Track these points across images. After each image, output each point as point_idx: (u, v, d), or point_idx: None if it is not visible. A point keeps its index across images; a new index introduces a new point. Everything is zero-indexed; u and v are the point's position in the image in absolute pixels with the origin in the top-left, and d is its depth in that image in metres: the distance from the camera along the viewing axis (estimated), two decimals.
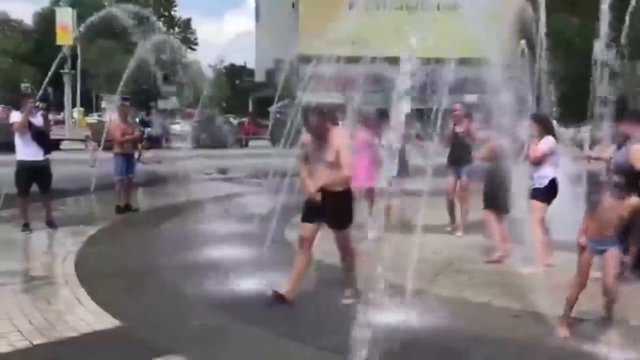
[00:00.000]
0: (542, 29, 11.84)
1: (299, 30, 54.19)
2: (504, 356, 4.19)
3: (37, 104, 8.64)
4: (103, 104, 41.45)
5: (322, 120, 5.11)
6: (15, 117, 7.92)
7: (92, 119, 37.54)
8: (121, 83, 12.40)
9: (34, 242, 7.65)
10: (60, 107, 35.60)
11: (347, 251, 5.23)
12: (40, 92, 13.81)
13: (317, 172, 5.10)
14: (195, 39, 58.06)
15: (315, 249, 5.39)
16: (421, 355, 4.19)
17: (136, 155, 12.06)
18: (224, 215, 9.16)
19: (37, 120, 7.92)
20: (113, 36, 38.55)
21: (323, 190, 5.02)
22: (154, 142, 18.75)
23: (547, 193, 6.38)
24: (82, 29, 11.39)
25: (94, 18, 11.40)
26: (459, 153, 8.16)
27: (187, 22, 59.54)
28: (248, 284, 5.62)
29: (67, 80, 30.41)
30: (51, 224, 8.14)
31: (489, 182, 6.86)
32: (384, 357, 3.86)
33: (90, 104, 45.89)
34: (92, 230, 8.20)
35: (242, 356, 4.16)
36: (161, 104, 41.73)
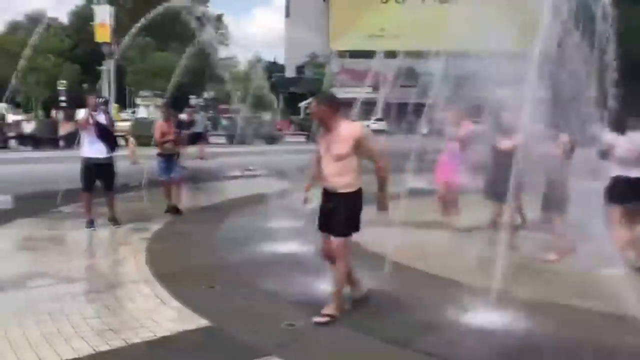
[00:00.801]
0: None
1: (330, 25, 54.25)
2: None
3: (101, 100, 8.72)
4: (137, 100, 41.90)
5: (328, 109, 4.66)
6: (81, 114, 8.00)
7: (126, 115, 38.02)
8: (172, 81, 12.45)
9: (101, 239, 7.70)
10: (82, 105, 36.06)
11: (338, 261, 4.69)
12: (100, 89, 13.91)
13: (324, 169, 4.68)
14: (227, 35, 58.37)
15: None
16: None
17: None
18: (282, 211, 9.10)
19: (101, 118, 7.98)
20: (149, 32, 38.93)
21: (327, 190, 4.70)
22: (198, 139, 18.77)
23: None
24: (134, 29, 11.35)
25: (149, 17, 11.45)
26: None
27: (219, 18, 59.91)
28: (325, 282, 5.56)
29: (104, 77, 30.78)
30: (114, 220, 8.20)
31: (554, 181, 6.67)
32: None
33: (124, 100, 46.48)
34: (154, 227, 8.24)
35: (336, 356, 4.10)
36: (193, 101, 42.19)
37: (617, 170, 6.31)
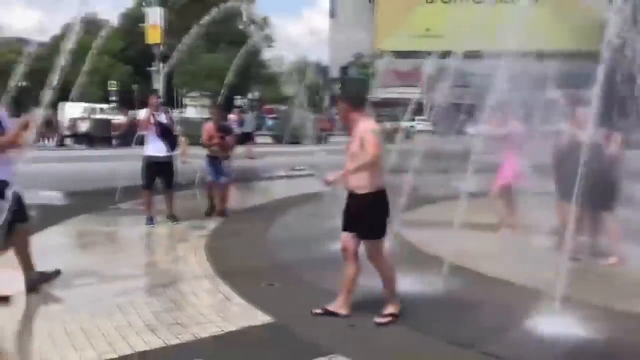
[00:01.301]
0: None
1: (376, 26, 54.14)
2: None
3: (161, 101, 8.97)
4: (186, 101, 42.73)
5: (348, 108, 4.67)
6: (142, 114, 8.25)
7: (175, 115, 38.81)
8: (225, 81, 12.66)
9: (161, 236, 7.91)
10: (144, 105, 37.02)
11: (377, 265, 4.67)
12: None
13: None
14: (274, 36, 58.94)
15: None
16: None
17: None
18: (334, 210, 9.15)
19: (162, 118, 8.21)
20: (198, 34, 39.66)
21: (350, 191, 4.65)
22: (247, 139, 19.03)
23: None
24: (190, 34, 11.58)
25: (204, 21, 11.66)
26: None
27: (266, 19, 60.54)
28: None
29: (155, 78, 31.51)
30: (173, 218, 8.42)
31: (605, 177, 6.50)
32: None
33: (172, 101, 47.44)
34: (210, 225, 8.42)
35: (399, 356, 4.12)
36: (239, 101, 42.73)
37: None
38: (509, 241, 7.43)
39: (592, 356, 4.13)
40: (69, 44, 4.84)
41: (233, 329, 4.53)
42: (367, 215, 4.57)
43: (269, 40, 48.43)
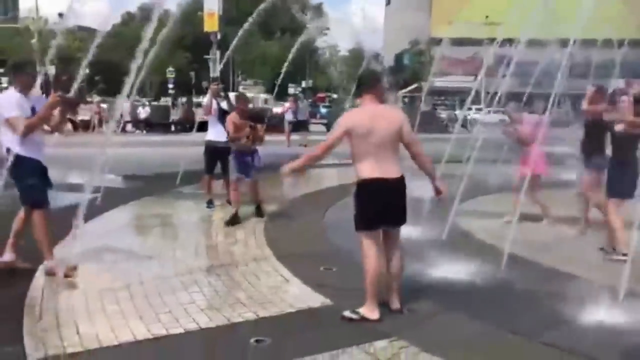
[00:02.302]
0: None
1: (432, 12, 53.31)
2: None
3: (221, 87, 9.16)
4: (240, 89, 43.30)
5: (360, 90, 4.56)
6: (206, 100, 8.48)
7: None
8: (282, 73, 12.77)
9: (221, 218, 8.07)
10: (203, 91, 37.75)
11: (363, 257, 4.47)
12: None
13: None
14: (327, 24, 58.91)
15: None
16: None
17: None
18: None
19: (224, 104, 8.41)
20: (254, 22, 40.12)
21: None
22: (300, 126, 19.28)
23: None
24: (247, 25, 11.74)
25: (260, 9, 11.82)
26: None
27: (319, 7, 60.54)
28: (440, 271, 5.62)
29: (212, 65, 32.04)
30: (231, 202, 8.62)
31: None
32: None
33: (228, 89, 48.18)
34: (268, 209, 8.57)
35: (458, 343, 4.13)
36: (292, 89, 43.00)
37: None
38: (564, 232, 7.32)
39: None
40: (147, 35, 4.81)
41: (292, 309, 4.65)
42: (354, 205, 4.49)
43: (323, 28, 48.44)
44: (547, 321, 4.47)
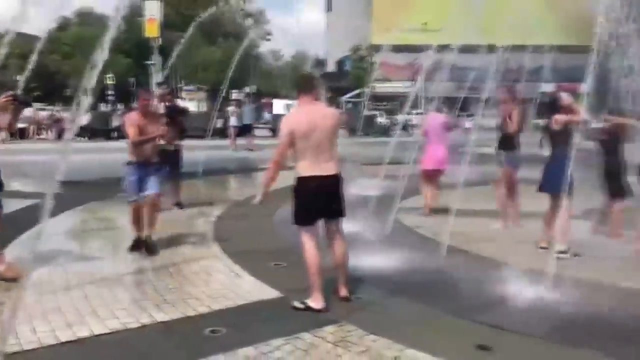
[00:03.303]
0: None
1: (373, 19, 54.30)
2: None
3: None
4: (183, 94, 42.82)
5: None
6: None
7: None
8: (226, 74, 12.92)
9: (170, 220, 8.13)
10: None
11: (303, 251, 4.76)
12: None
13: None
14: (270, 30, 59.10)
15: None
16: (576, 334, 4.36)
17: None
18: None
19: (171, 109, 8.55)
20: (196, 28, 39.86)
21: None
22: (246, 131, 19.38)
23: None
24: (192, 28, 11.81)
25: (203, 17, 11.94)
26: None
27: (262, 13, 60.67)
28: (384, 261, 5.94)
29: (153, 71, 31.70)
30: (179, 204, 8.77)
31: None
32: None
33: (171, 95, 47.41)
34: (214, 212, 8.73)
35: (402, 325, 4.42)
36: (235, 95, 42.87)
37: None
38: (499, 225, 7.81)
39: (576, 323, 4.46)
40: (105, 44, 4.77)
41: (245, 302, 4.86)
42: (292, 201, 4.76)
43: (265, 33, 48.68)
44: (481, 302, 4.86)
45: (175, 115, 8.48)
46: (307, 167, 4.61)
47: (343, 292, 4.83)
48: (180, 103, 10.13)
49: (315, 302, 4.61)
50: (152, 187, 6.25)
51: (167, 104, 8.76)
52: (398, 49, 48.28)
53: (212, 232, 7.39)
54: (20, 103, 5.32)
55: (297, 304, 4.65)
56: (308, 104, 4.73)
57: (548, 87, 34.07)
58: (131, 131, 6.19)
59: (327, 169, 4.64)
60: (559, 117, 6.20)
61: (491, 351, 3.92)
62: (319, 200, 4.65)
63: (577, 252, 6.32)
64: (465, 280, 5.43)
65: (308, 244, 4.68)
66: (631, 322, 4.53)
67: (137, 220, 6.34)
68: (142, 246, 6.31)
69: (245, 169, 15.45)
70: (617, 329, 4.40)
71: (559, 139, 6.06)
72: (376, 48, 48.84)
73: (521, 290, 5.03)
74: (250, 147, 19.21)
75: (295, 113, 4.79)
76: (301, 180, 4.65)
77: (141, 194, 6.23)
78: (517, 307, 4.78)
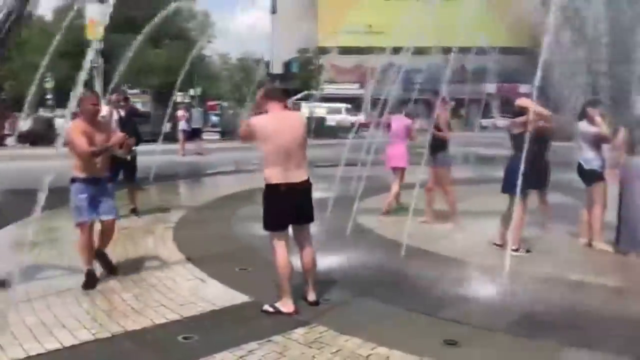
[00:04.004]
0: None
1: (318, 22, 54.64)
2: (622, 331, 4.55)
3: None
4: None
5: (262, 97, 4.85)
6: (105, 111, 8.41)
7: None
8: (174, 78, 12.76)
9: (127, 228, 8.02)
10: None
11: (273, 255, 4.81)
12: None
13: None
14: (214, 32, 58.47)
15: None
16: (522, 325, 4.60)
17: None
18: None
19: (123, 113, 8.43)
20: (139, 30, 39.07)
21: None
22: (195, 135, 19.19)
23: None
24: (148, 28, 11.58)
25: (157, 19, 11.75)
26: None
27: (206, 14, 59.92)
28: (347, 263, 6.08)
29: (96, 75, 30.90)
30: (135, 211, 8.66)
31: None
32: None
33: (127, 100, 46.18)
34: (172, 217, 8.66)
35: (371, 324, 4.55)
36: (179, 97, 42.28)
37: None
38: (456, 224, 8.10)
39: (535, 317, 4.71)
40: None
41: (215, 308, 4.88)
42: (263, 207, 4.82)
43: (210, 36, 48.14)
44: (443, 300, 5.07)
45: (136, 120, 8.39)
46: (277, 174, 4.65)
47: (312, 296, 4.92)
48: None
49: (286, 306, 4.69)
50: (109, 211, 5.53)
51: (122, 109, 8.64)
52: (344, 51, 48.84)
53: (172, 238, 7.33)
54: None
55: (267, 307, 4.72)
56: (277, 110, 4.79)
57: (492, 88, 35.29)
58: (80, 141, 5.26)
59: (297, 175, 4.71)
60: (517, 120, 6.47)
61: (458, 346, 4.10)
62: (290, 206, 4.72)
63: (529, 248, 6.64)
64: (426, 278, 5.63)
65: (279, 249, 4.75)
66: (583, 312, 4.82)
67: (88, 247, 5.41)
68: (96, 281, 5.40)
69: (197, 174, 15.33)
70: (571, 319, 4.68)
71: (519, 140, 6.31)
72: (323, 50, 49.14)
73: (480, 287, 5.28)
74: (200, 151, 19.03)
75: (264, 117, 4.80)
76: (271, 187, 4.69)
77: (94, 216, 5.45)
78: (478, 302, 5.01)
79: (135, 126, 8.61)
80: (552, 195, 7.83)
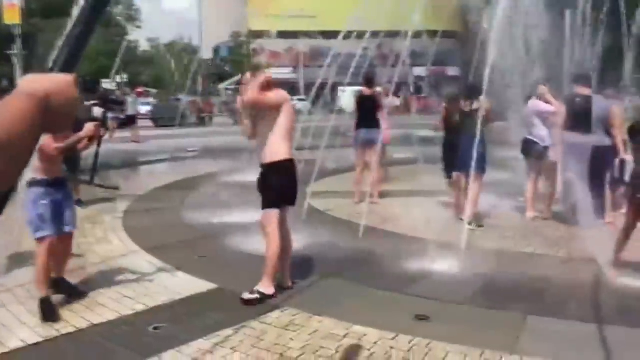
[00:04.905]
0: None
1: (248, 5, 53.91)
2: (573, 296, 4.82)
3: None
4: None
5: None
6: None
7: None
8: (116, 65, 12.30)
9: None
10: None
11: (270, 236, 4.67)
12: None
13: None
14: (139, 16, 56.62)
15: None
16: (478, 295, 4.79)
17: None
18: (230, 186, 9.38)
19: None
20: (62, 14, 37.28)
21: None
22: (130, 122, 18.59)
23: None
24: (76, 11, 11.03)
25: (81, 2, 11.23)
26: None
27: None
28: (310, 247, 6.08)
29: (17, 61, 29.39)
30: (80, 202, 8.32)
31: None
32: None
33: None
34: (120, 207, 8.41)
35: (342, 304, 4.60)
36: (106, 84, 40.85)
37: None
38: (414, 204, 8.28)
39: (493, 290, 4.91)
40: None
41: (181, 296, 4.79)
42: (268, 185, 4.73)
43: (136, 20, 46.70)
44: (407, 276, 5.22)
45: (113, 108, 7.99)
46: (287, 149, 4.60)
47: (288, 282, 4.90)
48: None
49: (268, 288, 4.64)
50: (72, 221, 4.73)
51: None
52: (276, 34, 48.52)
53: (123, 229, 7.11)
54: None
55: (250, 296, 4.56)
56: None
57: (421, 71, 36.02)
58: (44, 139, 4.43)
59: (291, 152, 4.71)
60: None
61: (430, 321, 4.21)
62: (292, 184, 4.71)
63: (481, 223, 6.89)
64: (387, 257, 5.75)
65: (276, 230, 4.64)
66: (538, 282, 5.07)
67: (47, 268, 4.44)
68: (57, 309, 4.45)
69: (135, 163, 14.93)
70: (529, 289, 4.91)
71: (468, 123, 6.50)
72: (254, 34, 48.63)
73: (441, 262, 5.42)
74: (135, 139, 18.49)
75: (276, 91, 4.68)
76: (286, 163, 4.59)
77: (60, 227, 4.56)
78: (441, 277, 5.16)
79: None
80: (497, 172, 8.13)
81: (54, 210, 4.50)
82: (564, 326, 4.14)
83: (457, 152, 6.83)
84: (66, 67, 1.15)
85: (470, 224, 6.50)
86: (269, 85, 4.60)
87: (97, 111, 7.75)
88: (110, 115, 19.53)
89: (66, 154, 4.64)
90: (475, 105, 6.75)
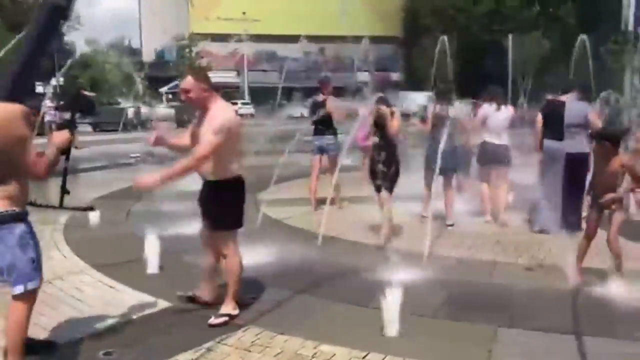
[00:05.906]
0: None
1: (191, 8, 52.92)
2: (537, 302, 4.80)
3: None
4: None
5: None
6: None
7: None
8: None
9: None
10: None
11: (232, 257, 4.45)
12: None
13: None
14: (78, 17, 54.60)
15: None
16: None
17: None
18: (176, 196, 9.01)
19: None
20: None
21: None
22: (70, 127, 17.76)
23: None
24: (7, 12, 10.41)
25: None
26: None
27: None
28: (265, 258, 5.85)
29: None
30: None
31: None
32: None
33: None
34: (60, 218, 7.90)
35: (306, 320, 4.41)
36: (40, 88, 39.18)
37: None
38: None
39: (461, 297, 4.86)
40: None
41: (133, 317, 4.47)
42: (226, 204, 4.40)
43: (74, 22, 45.03)
44: (369, 289, 4.92)
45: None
46: (236, 167, 4.29)
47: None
48: None
49: (235, 309, 4.39)
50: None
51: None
52: (218, 38, 47.77)
53: (65, 243, 6.67)
54: None
55: (217, 320, 4.26)
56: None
57: (363, 76, 36.30)
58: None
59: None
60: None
61: (400, 336, 4.06)
62: (244, 201, 4.45)
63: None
64: (348, 268, 5.59)
65: (238, 249, 4.42)
66: (503, 291, 5.01)
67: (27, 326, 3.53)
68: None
69: (75, 169, 14.21)
70: (494, 299, 4.85)
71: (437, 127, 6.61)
72: (196, 37, 47.79)
73: (402, 273, 5.26)
74: (76, 144, 17.70)
75: (230, 109, 4.38)
76: (237, 180, 4.31)
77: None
78: (404, 289, 4.99)
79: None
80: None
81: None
82: (535, 337, 4.07)
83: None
84: (10, 95, 0.88)
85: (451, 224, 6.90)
86: None
87: (65, 115, 7.14)
88: (47, 118, 18.74)
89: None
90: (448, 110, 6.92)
